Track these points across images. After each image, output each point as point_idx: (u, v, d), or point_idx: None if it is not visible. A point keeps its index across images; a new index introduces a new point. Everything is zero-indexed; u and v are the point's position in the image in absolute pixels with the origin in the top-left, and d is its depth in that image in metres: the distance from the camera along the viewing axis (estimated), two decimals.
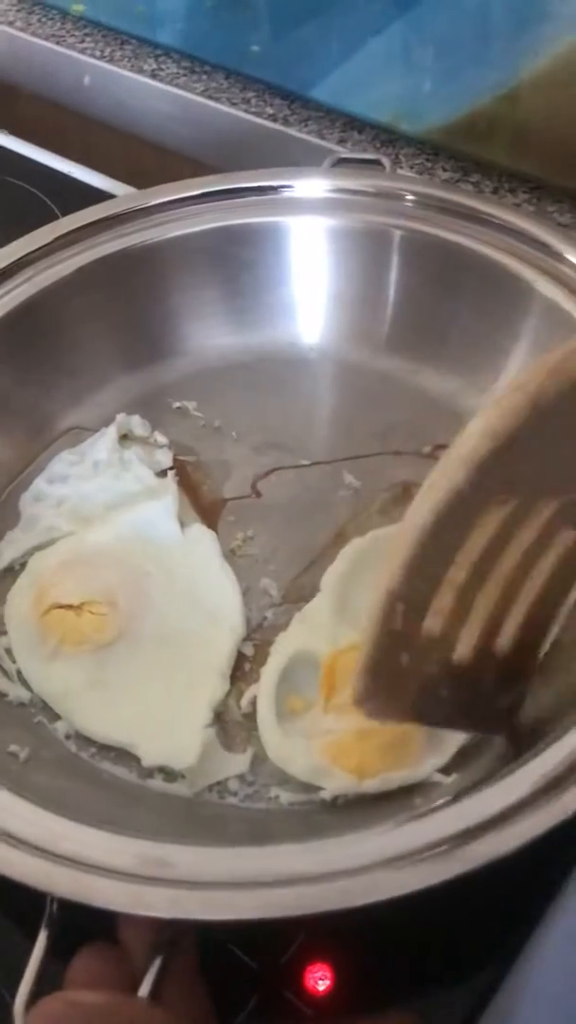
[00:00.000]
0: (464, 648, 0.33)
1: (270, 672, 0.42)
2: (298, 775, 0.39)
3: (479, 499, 0.30)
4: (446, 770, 0.38)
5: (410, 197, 0.52)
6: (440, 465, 0.30)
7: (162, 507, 0.47)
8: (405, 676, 0.33)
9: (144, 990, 0.30)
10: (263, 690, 0.41)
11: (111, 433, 0.52)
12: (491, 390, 0.51)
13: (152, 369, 0.54)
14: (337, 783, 0.38)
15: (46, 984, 0.31)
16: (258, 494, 0.50)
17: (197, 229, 0.54)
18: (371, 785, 0.38)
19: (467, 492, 0.30)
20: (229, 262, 0.54)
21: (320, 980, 0.36)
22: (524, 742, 0.36)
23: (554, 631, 0.36)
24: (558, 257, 0.48)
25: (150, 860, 0.32)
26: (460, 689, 0.34)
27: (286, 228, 0.54)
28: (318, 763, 0.39)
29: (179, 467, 0.51)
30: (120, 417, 0.52)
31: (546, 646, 0.36)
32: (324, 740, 0.39)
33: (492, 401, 0.29)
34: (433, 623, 0.32)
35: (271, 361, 0.54)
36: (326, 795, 0.38)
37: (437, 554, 0.31)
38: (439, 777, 0.38)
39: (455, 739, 0.39)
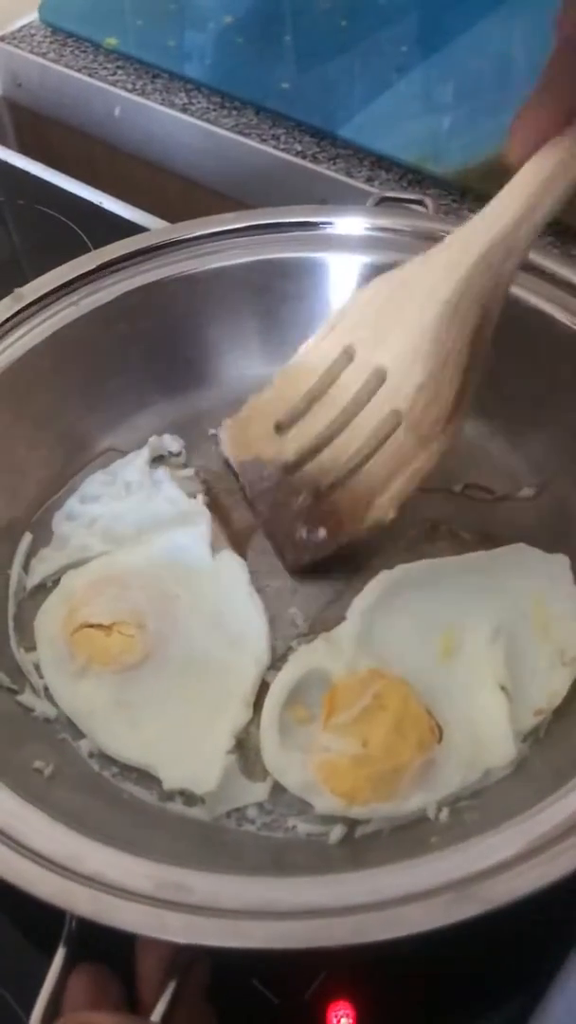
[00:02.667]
0: (292, 448, 0.41)
1: (283, 681, 0.43)
2: (289, 787, 0.40)
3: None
4: (443, 808, 0.39)
5: None
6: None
7: (196, 533, 0.48)
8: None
9: (157, 1015, 0.30)
10: (272, 696, 0.42)
11: (143, 455, 0.53)
12: (521, 433, 0.52)
13: (189, 396, 0.56)
14: (326, 804, 0.39)
15: (62, 1001, 0.32)
16: None
17: (238, 261, 0.55)
18: (358, 812, 0.38)
19: None
20: (268, 295, 0.55)
21: (343, 1018, 0.36)
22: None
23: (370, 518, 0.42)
24: None
25: (169, 884, 0.32)
26: (278, 490, 0.43)
27: (325, 264, 0.55)
28: (310, 779, 0.39)
29: (211, 493, 0.52)
30: (153, 439, 0.54)
31: (356, 527, 0.43)
32: (320, 757, 0.40)
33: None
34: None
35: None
36: (335, 836, 0.39)
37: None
38: (430, 813, 0.38)
39: (449, 779, 0.39)
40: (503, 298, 0.39)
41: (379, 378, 0.40)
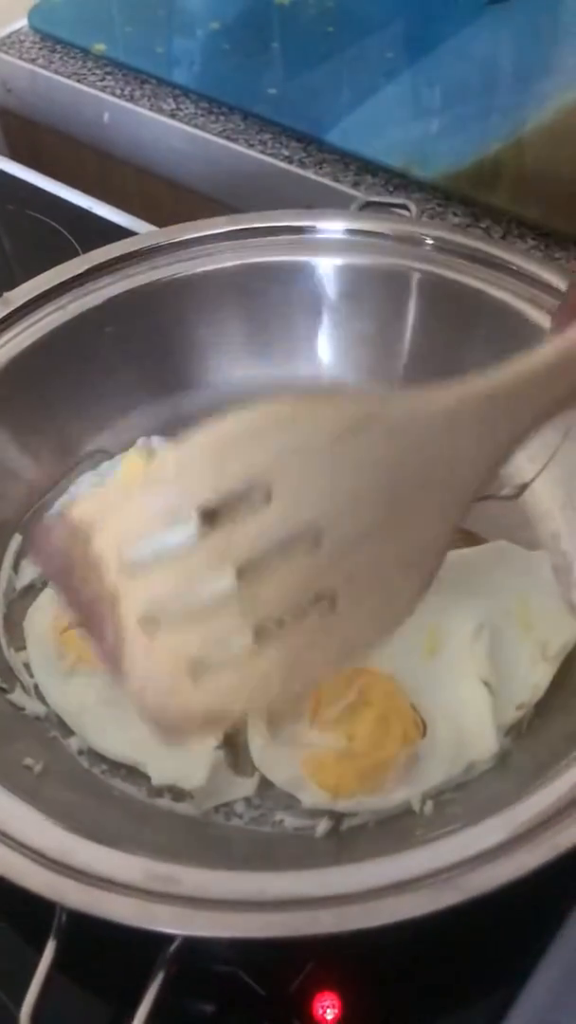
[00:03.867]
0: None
1: None
2: (277, 782, 0.41)
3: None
4: (427, 801, 0.39)
5: (429, 241, 0.54)
6: None
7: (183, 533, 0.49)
8: None
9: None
10: None
11: (131, 456, 0.53)
12: None
13: (176, 398, 0.56)
14: (312, 797, 0.39)
15: (52, 994, 0.32)
16: None
17: (225, 265, 0.56)
18: (344, 805, 0.39)
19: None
20: (255, 298, 0.56)
21: (328, 1009, 0.37)
22: None
23: None
24: None
25: (158, 876, 0.33)
26: None
27: (311, 267, 0.56)
28: (297, 774, 0.40)
29: None
30: (141, 441, 0.54)
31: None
32: (306, 752, 0.40)
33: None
34: None
35: (292, 393, 0.56)
36: (322, 829, 0.39)
37: None
38: (415, 806, 0.39)
39: (433, 772, 0.40)
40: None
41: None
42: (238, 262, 0.56)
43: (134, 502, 0.30)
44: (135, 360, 0.55)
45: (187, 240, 0.56)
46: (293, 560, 0.28)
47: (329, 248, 0.55)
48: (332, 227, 0.55)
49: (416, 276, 0.53)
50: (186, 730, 0.31)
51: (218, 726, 0.33)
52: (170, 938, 0.32)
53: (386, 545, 0.29)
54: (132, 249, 0.55)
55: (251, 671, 0.29)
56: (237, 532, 0.28)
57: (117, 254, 0.55)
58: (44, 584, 0.49)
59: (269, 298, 0.56)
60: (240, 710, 0.31)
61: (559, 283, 0.50)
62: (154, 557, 0.29)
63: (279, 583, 0.28)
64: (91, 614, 0.30)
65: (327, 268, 0.55)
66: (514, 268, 0.51)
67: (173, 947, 0.32)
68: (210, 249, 0.56)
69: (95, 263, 0.54)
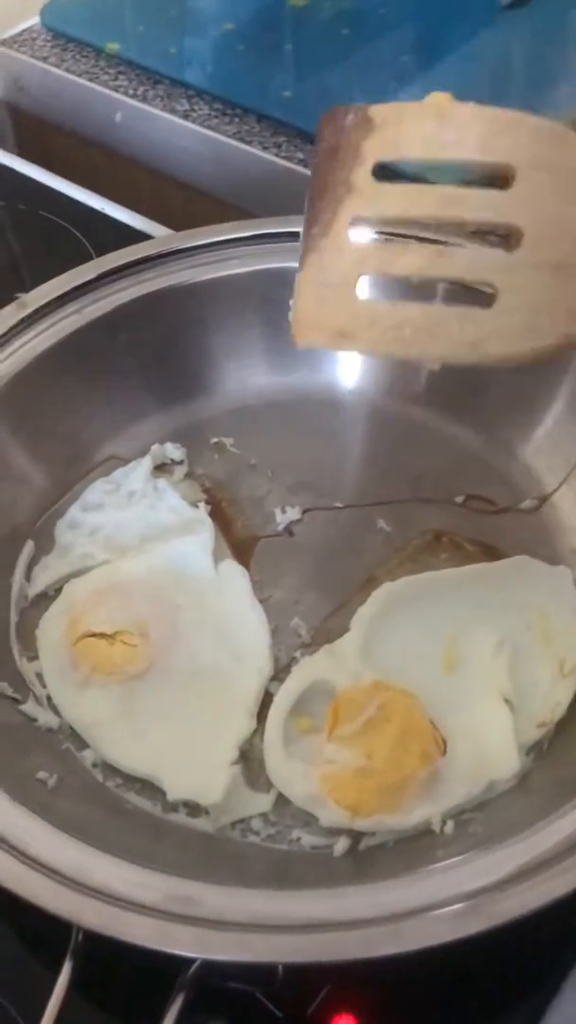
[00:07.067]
0: None
1: (287, 691, 0.43)
2: (295, 800, 0.40)
3: None
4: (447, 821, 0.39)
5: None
6: None
7: (198, 542, 0.48)
8: None
9: None
10: (276, 707, 0.42)
11: (146, 463, 0.53)
12: (523, 446, 0.52)
13: (192, 404, 0.56)
14: (331, 816, 0.39)
15: (68, 1015, 0.32)
16: (291, 534, 0.51)
17: (241, 270, 0.55)
18: (363, 824, 0.39)
19: None
20: (271, 304, 0.55)
21: None
22: None
23: None
24: None
25: (177, 897, 0.32)
26: None
27: None
28: (315, 792, 0.39)
29: (214, 503, 0.52)
30: (155, 448, 0.54)
31: None
32: (324, 769, 0.40)
33: None
34: None
35: (309, 403, 0.55)
36: (340, 848, 0.39)
37: None
38: (435, 826, 0.38)
39: (454, 792, 0.39)
40: None
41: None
42: (253, 268, 0.55)
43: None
44: (149, 366, 0.55)
45: (203, 245, 0.55)
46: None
47: None
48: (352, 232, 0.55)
49: (441, 286, 0.53)
50: (315, 335, 0.37)
51: (343, 344, 0.37)
52: (190, 960, 0.32)
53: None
54: (148, 253, 0.54)
55: (408, 322, 0.35)
56: None
57: (133, 258, 0.54)
58: (57, 592, 0.48)
59: (285, 304, 0.55)
60: (365, 343, 0.36)
61: None
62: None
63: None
64: (322, 193, 0.37)
65: None
66: None
67: (192, 969, 0.32)
68: (226, 254, 0.55)
69: (110, 267, 0.54)
